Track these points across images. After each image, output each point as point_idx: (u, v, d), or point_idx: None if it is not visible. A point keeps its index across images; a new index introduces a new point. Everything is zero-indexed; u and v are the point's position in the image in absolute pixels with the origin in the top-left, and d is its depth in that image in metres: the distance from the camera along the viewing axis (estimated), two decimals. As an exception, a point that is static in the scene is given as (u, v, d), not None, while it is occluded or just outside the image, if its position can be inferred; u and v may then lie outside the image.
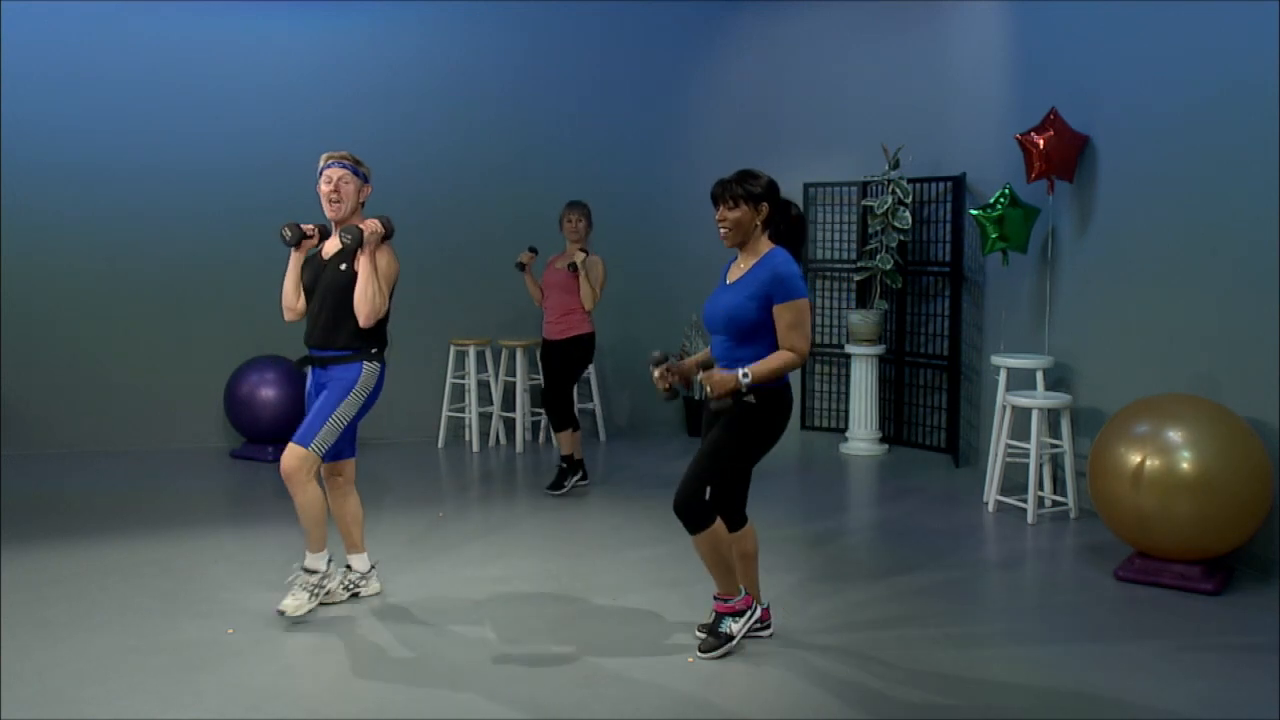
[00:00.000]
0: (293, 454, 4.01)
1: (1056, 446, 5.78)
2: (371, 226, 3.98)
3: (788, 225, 3.78)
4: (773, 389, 3.64)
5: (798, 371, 7.79)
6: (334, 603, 4.30)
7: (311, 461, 4.02)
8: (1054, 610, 4.36)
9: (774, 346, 3.63)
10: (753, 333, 3.63)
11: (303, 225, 4.19)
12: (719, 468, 3.67)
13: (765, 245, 3.73)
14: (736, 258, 3.82)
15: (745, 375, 3.52)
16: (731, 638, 3.76)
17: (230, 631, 4.02)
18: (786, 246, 3.75)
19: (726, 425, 3.65)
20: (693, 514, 3.63)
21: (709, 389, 3.53)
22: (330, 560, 4.23)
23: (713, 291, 3.84)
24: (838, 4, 7.90)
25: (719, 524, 3.69)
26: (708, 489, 3.67)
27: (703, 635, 3.86)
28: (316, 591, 4.14)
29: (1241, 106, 4.73)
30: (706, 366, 3.63)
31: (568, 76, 8.02)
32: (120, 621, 4.11)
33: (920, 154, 7.41)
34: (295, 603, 4.09)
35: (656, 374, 3.71)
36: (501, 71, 7.91)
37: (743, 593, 3.82)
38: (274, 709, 3.37)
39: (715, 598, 3.82)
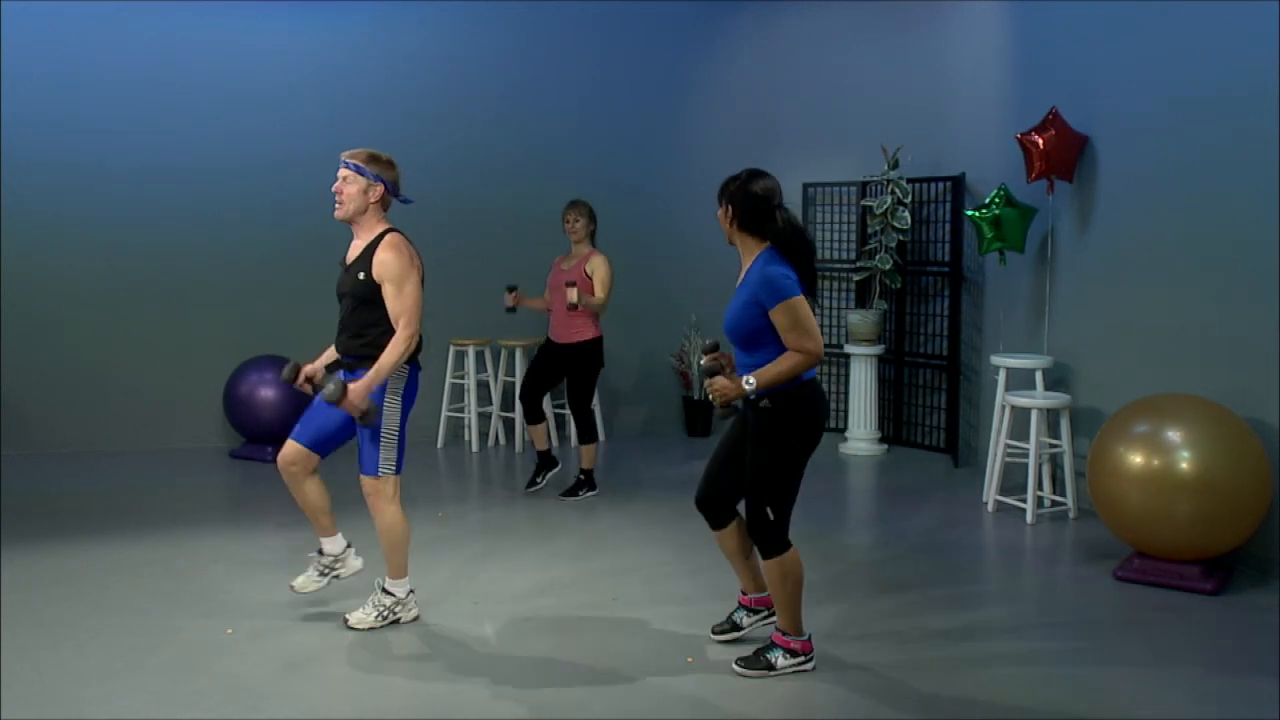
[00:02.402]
0: (366, 486, 3.98)
1: (1056, 446, 5.78)
2: (353, 409, 3.85)
3: (780, 236, 3.58)
4: (789, 388, 3.52)
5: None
6: (312, 590, 4.22)
7: (385, 484, 3.96)
8: (1053, 610, 4.36)
9: (780, 351, 3.52)
10: (754, 339, 3.53)
11: (301, 367, 4.08)
12: (767, 484, 3.58)
13: (755, 248, 3.63)
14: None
15: (749, 383, 3.44)
16: (772, 669, 3.66)
17: (230, 631, 4.02)
18: (790, 256, 3.58)
19: (754, 440, 3.57)
20: (763, 540, 3.60)
21: (712, 396, 3.49)
22: (412, 591, 4.15)
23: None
24: (838, 4, 7.90)
25: (793, 554, 3.62)
26: (769, 510, 3.58)
27: (716, 637, 3.88)
28: (386, 615, 4.08)
29: (1241, 106, 4.73)
30: (712, 373, 3.52)
31: (568, 76, 8.02)
32: (120, 621, 4.11)
33: (920, 154, 7.41)
34: (362, 616, 4.06)
35: (705, 362, 3.59)
36: (501, 71, 7.91)
37: (806, 636, 3.71)
38: (274, 709, 3.37)
39: (777, 627, 3.73)
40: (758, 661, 3.68)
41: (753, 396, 3.50)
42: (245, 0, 7.48)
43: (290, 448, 4.06)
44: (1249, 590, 4.51)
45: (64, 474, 6.73)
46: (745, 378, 3.46)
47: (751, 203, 3.59)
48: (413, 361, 4.04)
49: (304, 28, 7.63)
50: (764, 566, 3.65)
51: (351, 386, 3.84)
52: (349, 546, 4.27)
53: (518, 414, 7.60)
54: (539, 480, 6.27)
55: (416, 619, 4.17)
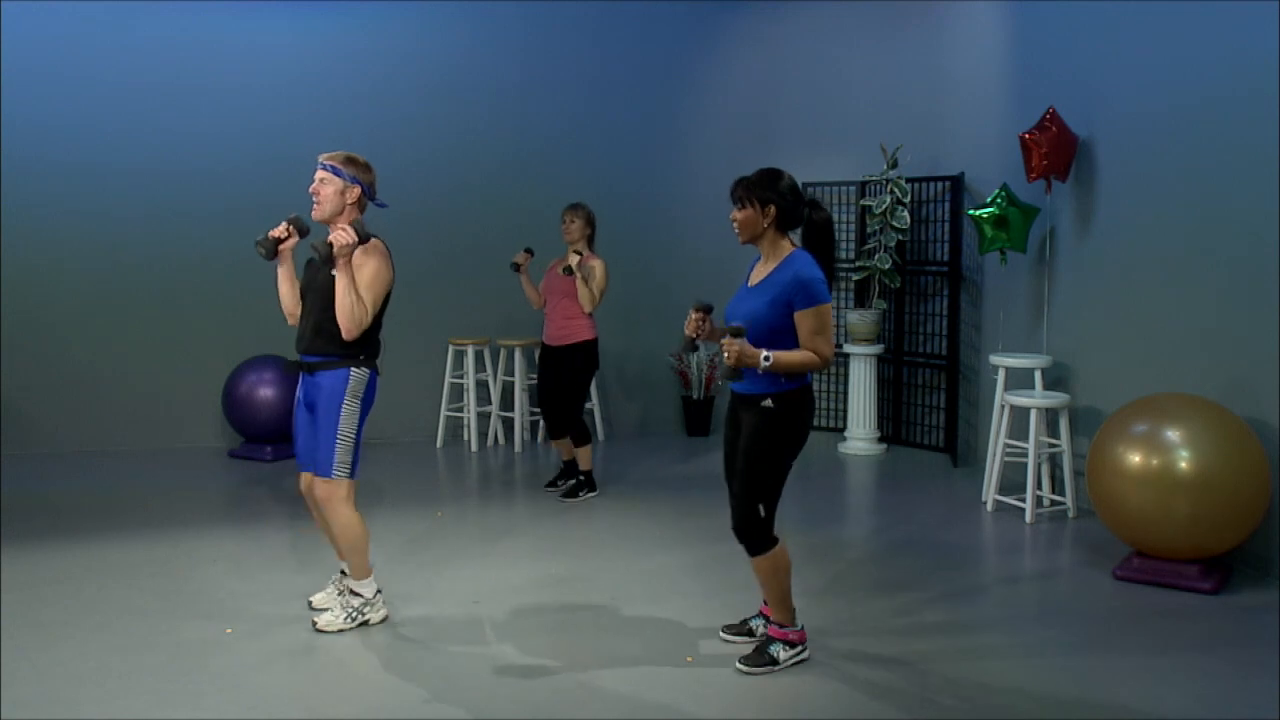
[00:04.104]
0: (319, 487, 3.96)
1: (1055, 446, 5.78)
2: (340, 238, 3.82)
3: (812, 229, 3.68)
4: (792, 391, 3.58)
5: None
6: (325, 609, 4.20)
7: (339, 486, 3.94)
8: (1052, 610, 4.36)
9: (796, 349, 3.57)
10: (773, 338, 3.55)
11: (271, 232, 3.97)
12: (761, 483, 3.60)
13: (786, 248, 3.65)
14: (759, 259, 3.75)
15: (767, 359, 3.44)
16: (775, 663, 3.69)
17: (229, 631, 4.02)
18: (814, 251, 3.65)
19: (751, 437, 3.60)
20: (753, 536, 3.60)
21: (728, 354, 3.44)
22: (379, 591, 4.14)
23: (735, 293, 3.77)
24: (837, 4, 7.90)
25: (781, 549, 3.65)
26: (761, 506, 3.60)
27: (729, 637, 3.90)
28: (355, 616, 4.07)
29: (1241, 106, 4.73)
30: (737, 334, 3.48)
31: (567, 76, 8.02)
32: (118, 622, 4.12)
33: (918, 153, 7.41)
34: (331, 619, 4.04)
35: (693, 317, 3.59)
36: (500, 71, 7.91)
37: (799, 626, 3.77)
38: (272, 709, 3.37)
39: (770, 620, 3.78)
40: (761, 659, 3.69)
41: (761, 372, 3.49)
42: (245, 0, 7.49)
43: (306, 478, 4.14)
44: (1248, 589, 4.51)
45: (64, 474, 6.73)
46: (763, 351, 3.46)
47: (793, 201, 3.64)
48: (372, 367, 4.05)
49: (304, 28, 7.63)
50: (754, 564, 3.67)
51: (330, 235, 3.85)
52: (379, 591, 4.18)
53: (517, 414, 7.60)
54: (559, 483, 6.25)
55: (385, 619, 4.15)
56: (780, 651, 3.71)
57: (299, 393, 4.11)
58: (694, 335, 3.61)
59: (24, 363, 7.28)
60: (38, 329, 7.30)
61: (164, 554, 5.00)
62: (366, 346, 4.02)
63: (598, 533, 5.50)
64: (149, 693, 3.48)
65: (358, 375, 3.99)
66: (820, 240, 3.68)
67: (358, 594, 4.09)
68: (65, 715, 3.33)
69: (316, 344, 3.99)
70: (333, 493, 3.95)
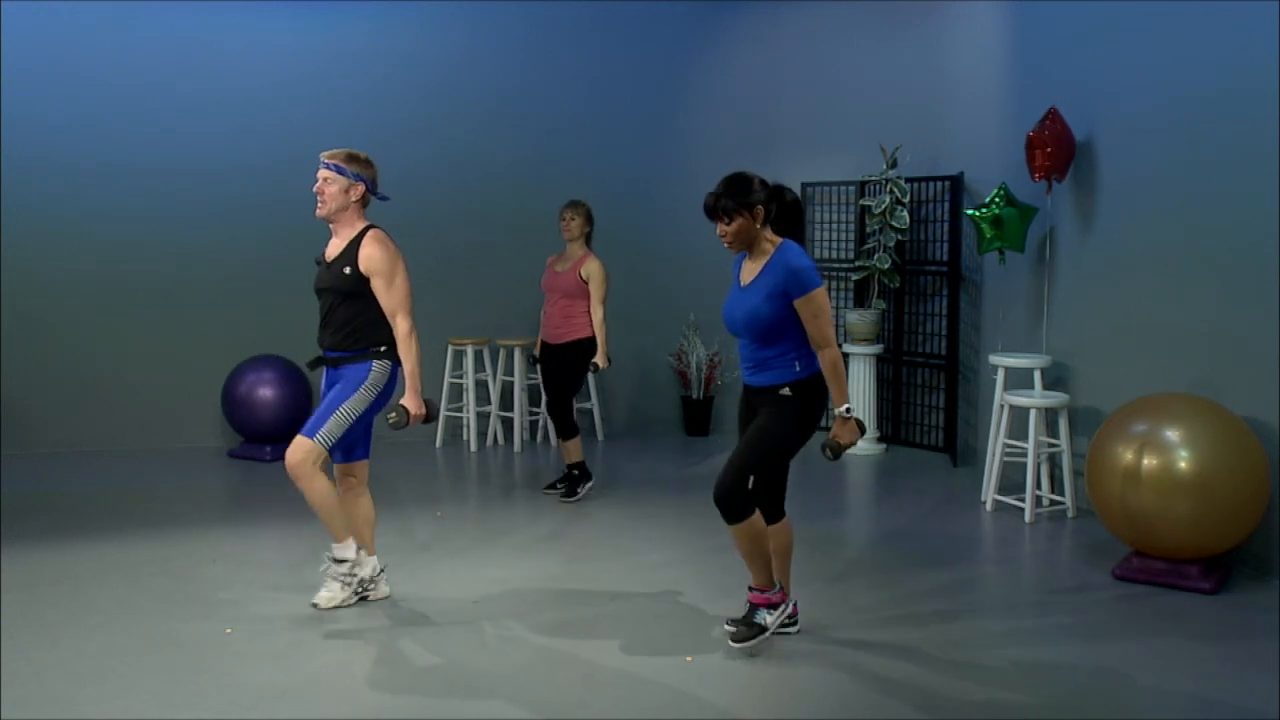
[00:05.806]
0: (298, 446, 3.99)
1: (1054, 446, 5.78)
2: (419, 419, 4.14)
3: (783, 211, 3.80)
4: (807, 379, 3.70)
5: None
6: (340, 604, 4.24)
7: (316, 453, 3.99)
8: (1052, 609, 4.36)
9: (798, 342, 3.69)
10: (775, 332, 3.67)
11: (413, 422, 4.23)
12: (761, 458, 3.72)
13: (772, 241, 3.75)
14: (745, 256, 3.83)
15: (848, 409, 3.64)
16: (765, 629, 3.80)
17: (228, 631, 4.02)
18: (786, 232, 3.78)
19: (768, 417, 3.71)
20: (733, 504, 3.67)
21: (841, 443, 3.66)
22: (360, 549, 4.21)
23: (728, 294, 3.86)
24: (836, 4, 7.90)
25: (758, 516, 3.74)
26: (750, 479, 3.71)
27: (733, 628, 3.91)
28: (349, 581, 4.13)
29: (1241, 106, 4.73)
30: (837, 444, 3.68)
31: (566, 76, 8.02)
32: (119, 621, 4.12)
33: (918, 153, 7.41)
34: (328, 595, 4.11)
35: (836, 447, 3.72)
36: (499, 71, 7.92)
37: (778, 586, 3.87)
38: (272, 709, 3.38)
39: (750, 589, 3.86)
40: (751, 630, 3.78)
41: (848, 414, 3.66)
42: (245, 0, 7.49)
43: (340, 468, 4.23)
44: (1248, 589, 4.51)
45: (64, 474, 6.73)
46: (838, 411, 3.65)
47: (771, 194, 3.75)
48: (394, 359, 4.12)
49: (304, 28, 7.63)
50: (735, 533, 3.73)
51: (406, 404, 4.07)
52: (361, 549, 4.27)
53: (517, 414, 7.60)
54: (579, 491, 6.10)
55: (381, 575, 4.31)
56: (765, 616, 3.81)
57: (323, 385, 4.22)
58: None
59: (24, 363, 7.28)
60: (38, 329, 7.30)
61: (164, 554, 5.00)
62: (387, 338, 4.10)
63: (597, 532, 5.50)
64: (149, 693, 3.48)
65: (380, 367, 4.08)
66: (791, 221, 3.82)
67: (341, 560, 4.14)
68: (65, 715, 3.33)
69: (337, 340, 4.07)
70: (309, 454, 3.98)
